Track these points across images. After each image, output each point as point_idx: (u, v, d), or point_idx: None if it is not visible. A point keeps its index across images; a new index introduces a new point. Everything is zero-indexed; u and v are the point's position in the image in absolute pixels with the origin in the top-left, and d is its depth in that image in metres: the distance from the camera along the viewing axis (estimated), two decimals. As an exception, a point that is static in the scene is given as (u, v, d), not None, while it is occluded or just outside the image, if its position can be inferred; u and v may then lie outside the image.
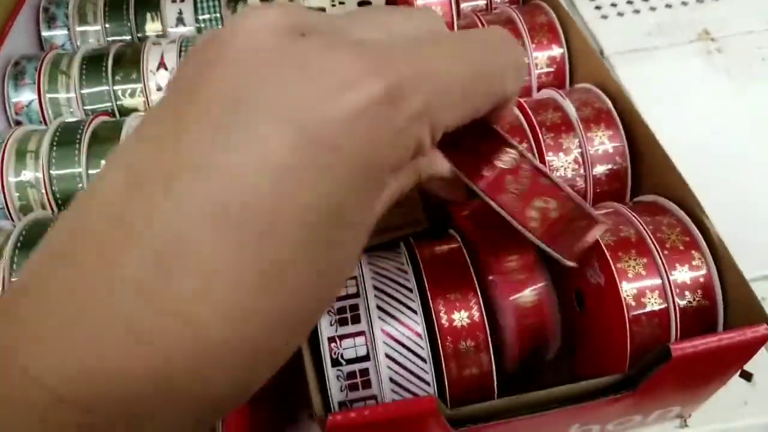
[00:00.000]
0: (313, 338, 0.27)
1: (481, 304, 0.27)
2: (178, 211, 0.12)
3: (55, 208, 0.43)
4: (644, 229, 0.28)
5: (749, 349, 0.25)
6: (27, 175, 0.43)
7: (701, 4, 0.62)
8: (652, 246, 0.28)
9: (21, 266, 0.37)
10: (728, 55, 0.57)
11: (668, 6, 0.62)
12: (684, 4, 0.62)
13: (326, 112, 0.13)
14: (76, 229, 0.13)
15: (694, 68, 0.56)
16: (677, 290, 0.27)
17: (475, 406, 0.25)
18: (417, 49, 0.15)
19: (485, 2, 0.49)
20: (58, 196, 0.43)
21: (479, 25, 0.43)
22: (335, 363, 0.26)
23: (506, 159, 0.21)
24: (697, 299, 0.27)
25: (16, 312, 0.13)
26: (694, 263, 0.28)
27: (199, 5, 0.55)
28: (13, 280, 0.37)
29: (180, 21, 0.55)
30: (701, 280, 0.27)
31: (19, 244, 0.38)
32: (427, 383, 0.26)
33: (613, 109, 0.36)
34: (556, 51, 0.42)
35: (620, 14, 0.62)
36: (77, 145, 0.43)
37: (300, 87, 0.13)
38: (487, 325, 0.27)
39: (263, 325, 0.13)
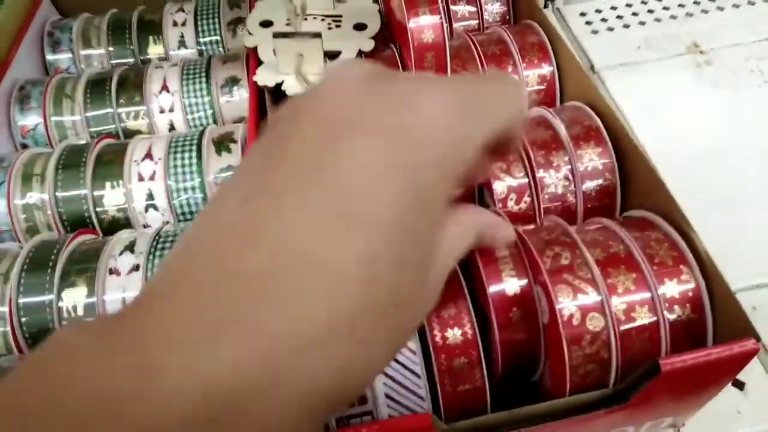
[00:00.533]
0: None
1: (474, 321, 0.28)
2: (295, 218, 0.14)
3: (61, 230, 0.44)
4: (633, 244, 0.29)
5: (738, 363, 0.26)
6: (33, 197, 0.44)
7: (690, 17, 0.63)
8: (641, 261, 0.29)
9: (28, 286, 0.38)
10: (717, 68, 0.58)
11: (657, 20, 0.63)
12: (673, 17, 0.64)
13: (415, 124, 0.16)
14: (200, 238, 0.15)
15: (684, 81, 0.57)
16: (666, 304, 0.28)
17: (471, 420, 0.26)
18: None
19: (477, 22, 0.51)
20: (64, 217, 0.44)
21: (471, 45, 0.44)
22: None
23: None
24: (686, 313, 0.28)
25: (154, 322, 0.13)
26: (682, 278, 0.28)
27: (200, 28, 0.57)
28: (21, 301, 0.38)
29: (182, 44, 0.57)
30: (690, 294, 0.28)
31: (25, 267, 0.39)
32: (422, 398, 0.27)
33: (602, 126, 0.36)
34: (546, 69, 0.43)
35: (610, 29, 0.63)
36: (82, 167, 0.44)
37: (391, 111, 0.16)
38: (480, 343, 0.28)
39: (373, 321, 0.14)
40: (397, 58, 0.43)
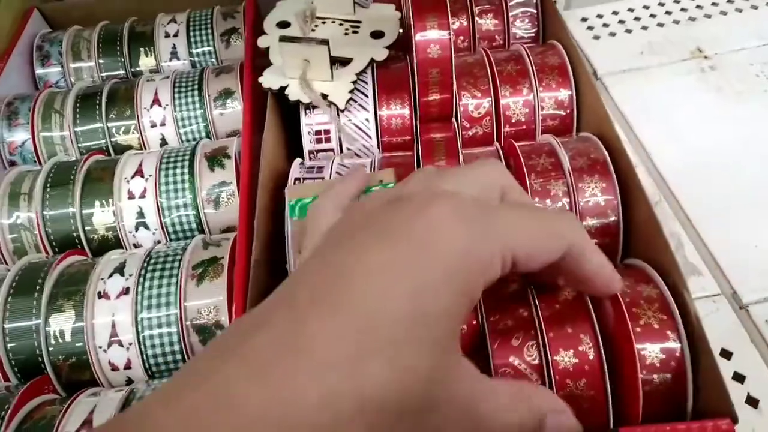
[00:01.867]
0: None
1: None
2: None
3: (49, 250, 0.42)
4: (620, 300, 0.27)
5: None
6: (21, 217, 0.43)
7: (693, 22, 0.62)
8: (628, 320, 0.26)
9: (15, 311, 0.37)
10: (722, 73, 0.57)
11: (660, 25, 0.62)
12: (676, 22, 0.62)
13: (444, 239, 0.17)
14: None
15: (688, 86, 0.56)
16: (644, 370, 0.26)
17: None
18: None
19: (502, 39, 0.49)
20: (52, 237, 0.42)
21: (486, 62, 0.42)
22: None
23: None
24: (665, 381, 0.26)
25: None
26: (666, 344, 0.26)
27: (192, 39, 0.55)
28: (8, 326, 0.36)
29: (174, 55, 0.55)
30: (672, 363, 0.26)
31: (12, 290, 0.37)
32: None
33: (609, 160, 0.34)
34: (564, 94, 0.41)
35: (612, 34, 0.62)
36: (71, 185, 0.43)
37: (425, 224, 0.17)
38: None
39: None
40: (409, 70, 0.41)
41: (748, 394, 0.38)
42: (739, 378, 0.38)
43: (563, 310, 0.27)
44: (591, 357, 0.26)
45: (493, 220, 0.18)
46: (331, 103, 0.40)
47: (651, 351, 0.26)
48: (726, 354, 0.39)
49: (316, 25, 0.45)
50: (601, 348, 0.26)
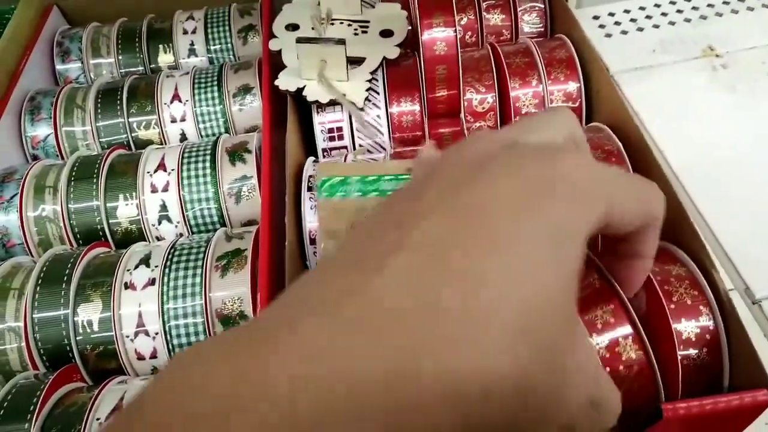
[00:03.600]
0: None
1: None
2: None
3: (74, 242, 0.43)
4: (652, 279, 0.28)
5: (748, 414, 0.25)
6: (46, 209, 0.43)
7: (704, 20, 0.63)
8: (662, 298, 0.27)
9: (42, 302, 0.38)
10: (733, 71, 0.57)
11: (672, 23, 0.63)
12: (687, 20, 0.63)
13: (573, 220, 0.15)
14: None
15: (700, 84, 0.57)
16: (681, 345, 0.26)
17: None
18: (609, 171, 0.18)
19: (510, 33, 0.49)
20: (77, 230, 0.43)
21: (491, 57, 0.43)
22: None
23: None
24: (701, 356, 0.27)
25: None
26: (701, 319, 0.27)
27: (210, 36, 0.56)
28: (36, 316, 0.37)
29: (192, 52, 0.56)
30: (707, 336, 0.27)
31: (40, 281, 0.38)
32: None
33: (623, 151, 0.35)
34: (572, 87, 0.42)
35: (624, 32, 0.63)
36: (95, 179, 0.44)
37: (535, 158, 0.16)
38: None
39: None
40: (418, 67, 0.42)
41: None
42: (751, 371, 0.39)
43: (591, 295, 0.28)
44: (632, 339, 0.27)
45: (601, 174, 0.17)
46: (351, 102, 0.40)
47: (686, 326, 0.27)
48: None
49: (328, 26, 0.45)
50: (640, 328, 0.27)
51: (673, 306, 0.27)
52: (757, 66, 0.58)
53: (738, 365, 0.26)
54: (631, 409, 0.25)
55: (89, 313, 0.37)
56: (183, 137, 0.50)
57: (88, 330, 0.37)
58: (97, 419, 0.32)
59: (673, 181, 0.50)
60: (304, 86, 0.41)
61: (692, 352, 0.26)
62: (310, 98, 0.40)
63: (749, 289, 0.42)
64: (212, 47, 0.56)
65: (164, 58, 0.56)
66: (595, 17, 0.64)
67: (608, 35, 0.63)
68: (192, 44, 0.56)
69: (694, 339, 0.27)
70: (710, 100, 0.55)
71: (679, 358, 0.26)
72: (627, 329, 0.26)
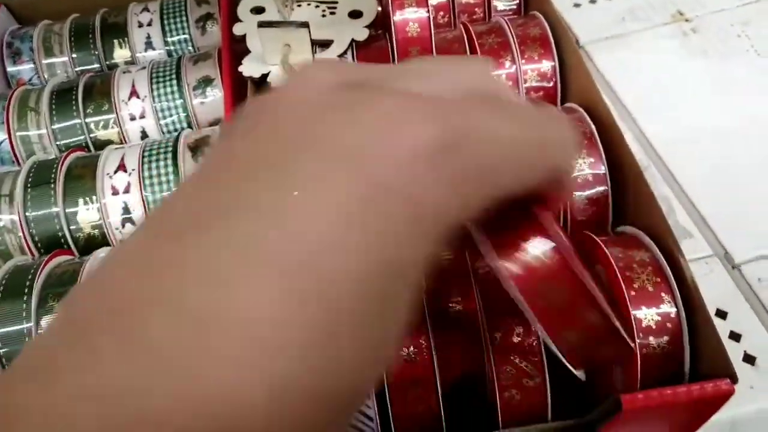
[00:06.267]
0: None
1: (431, 336, 0.26)
2: (218, 258, 0.11)
3: (35, 252, 0.41)
4: (614, 265, 0.27)
5: (711, 404, 0.24)
6: (3, 219, 0.41)
7: (673, -15, 0.62)
8: (622, 284, 0.26)
9: (4, 317, 0.36)
10: (703, 35, 0.57)
11: (640, -11, 0.62)
12: (655, -14, 0.62)
13: (385, 154, 0.12)
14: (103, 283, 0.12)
15: (671, 50, 0.56)
16: (641, 333, 0.26)
17: None
18: (471, 103, 0.14)
19: (482, 12, 0.48)
20: (37, 238, 0.41)
21: (465, 37, 0.41)
22: None
23: (540, 253, 0.17)
24: (662, 344, 0.26)
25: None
26: (661, 306, 0.26)
27: (167, 28, 0.54)
28: (-4, 332, 0.35)
29: (149, 45, 0.54)
30: (668, 324, 0.26)
31: (0, 295, 0.36)
32: (370, 419, 0.25)
33: (596, 133, 0.34)
34: (546, 66, 0.40)
35: (592, 1, 0.61)
36: (52, 184, 0.42)
37: (357, 131, 0.13)
38: (435, 361, 0.26)
39: (309, 400, 0.11)
40: (389, 48, 0.40)
41: (745, 352, 0.38)
42: (735, 337, 0.39)
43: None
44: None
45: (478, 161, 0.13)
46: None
47: (646, 314, 0.26)
48: (721, 314, 0.39)
49: (292, 9, 0.44)
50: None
51: (633, 293, 0.26)
52: (726, 28, 0.57)
53: (703, 355, 0.26)
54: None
55: (53, 324, 0.35)
56: (144, 135, 0.48)
57: (54, 342, 0.35)
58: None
59: (647, 149, 0.49)
60: (269, 72, 0.39)
61: (652, 340, 0.26)
62: (274, 84, 0.39)
63: (728, 254, 0.42)
64: (170, 39, 0.54)
65: (120, 54, 0.54)
66: (563, -13, 0.63)
67: (577, 5, 0.61)
68: (148, 37, 0.54)
69: (654, 327, 0.26)
70: (682, 65, 0.55)
71: (637, 346, 0.25)
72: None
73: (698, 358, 0.26)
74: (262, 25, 0.38)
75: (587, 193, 0.33)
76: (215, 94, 0.48)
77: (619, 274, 0.26)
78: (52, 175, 0.42)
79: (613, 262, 0.27)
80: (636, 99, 0.52)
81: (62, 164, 0.43)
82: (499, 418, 0.26)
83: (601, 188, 0.33)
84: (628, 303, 0.26)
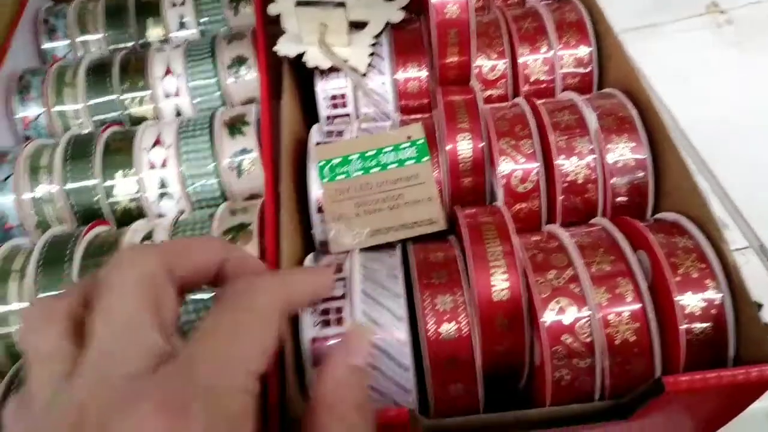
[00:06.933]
0: (295, 339, 0.26)
1: (472, 317, 0.26)
2: None
3: (73, 223, 0.42)
4: (659, 251, 0.27)
5: (754, 389, 0.24)
6: (42, 190, 0.42)
7: (707, -24, 0.61)
8: (667, 270, 0.26)
9: (44, 285, 0.37)
10: (738, 27, 0.56)
11: (673, -20, 0.61)
12: (689, -23, 0.61)
13: None
14: None
15: (704, 42, 0.56)
16: (686, 319, 0.26)
17: (456, 419, 0.25)
18: None
19: None
20: (75, 209, 0.42)
21: (502, 22, 0.41)
22: (317, 363, 0.26)
23: None
24: (706, 330, 0.26)
25: None
26: (706, 293, 0.26)
27: (199, 8, 0.54)
28: (41, 296, 0.36)
29: (182, 25, 0.54)
30: (713, 311, 0.26)
31: (41, 263, 0.37)
32: (408, 392, 0.25)
33: (637, 119, 0.33)
34: (583, 51, 0.40)
35: (625, -9, 0.61)
36: (91, 158, 0.42)
37: None
38: (474, 341, 0.26)
39: None
40: (425, 31, 0.40)
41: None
42: None
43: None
44: (636, 308, 0.26)
45: None
46: (352, 68, 0.39)
47: (691, 300, 0.26)
48: (757, 306, 0.39)
49: None
50: (645, 299, 0.26)
51: (678, 278, 0.26)
52: (762, 21, 0.56)
53: (746, 340, 0.26)
54: (629, 384, 0.25)
55: (93, 293, 0.36)
56: (178, 112, 0.48)
57: (93, 310, 0.36)
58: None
59: (680, 141, 0.49)
60: (305, 52, 0.39)
61: (696, 326, 0.26)
62: (310, 64, 0.39)
63: (764, 246, 0.41)
64: (203, 19, 0.54)
65: (154, 32, 0.54)
66: (596, -24, 0.63)
67: (609, -6, 0.61)
68: (182, 17, 0.54)
69: (698, 313, 0.26)
70: (716, 57, 0.54)
71: (682, 332, 0.25)
72: (628, 303, 0.26)
73: (742, 344, 0.26)
74: (299, 3, 0.38)
75: (629, 180, 0.33)
76: (249, 74, 0.48)
77: (664, 260, 0.26)
78: (91, 149, 0.43)
79: (658, 247, 0.27)
80: (668, 89, 0.52)
81: (100, 138, 0.43)
82: (547, 399, 0.26)
83: (641, 173, 0.33)
84: (674, 289, 0.26)
